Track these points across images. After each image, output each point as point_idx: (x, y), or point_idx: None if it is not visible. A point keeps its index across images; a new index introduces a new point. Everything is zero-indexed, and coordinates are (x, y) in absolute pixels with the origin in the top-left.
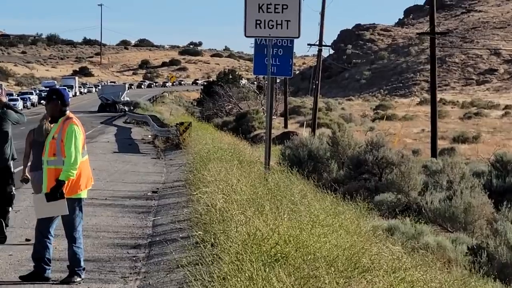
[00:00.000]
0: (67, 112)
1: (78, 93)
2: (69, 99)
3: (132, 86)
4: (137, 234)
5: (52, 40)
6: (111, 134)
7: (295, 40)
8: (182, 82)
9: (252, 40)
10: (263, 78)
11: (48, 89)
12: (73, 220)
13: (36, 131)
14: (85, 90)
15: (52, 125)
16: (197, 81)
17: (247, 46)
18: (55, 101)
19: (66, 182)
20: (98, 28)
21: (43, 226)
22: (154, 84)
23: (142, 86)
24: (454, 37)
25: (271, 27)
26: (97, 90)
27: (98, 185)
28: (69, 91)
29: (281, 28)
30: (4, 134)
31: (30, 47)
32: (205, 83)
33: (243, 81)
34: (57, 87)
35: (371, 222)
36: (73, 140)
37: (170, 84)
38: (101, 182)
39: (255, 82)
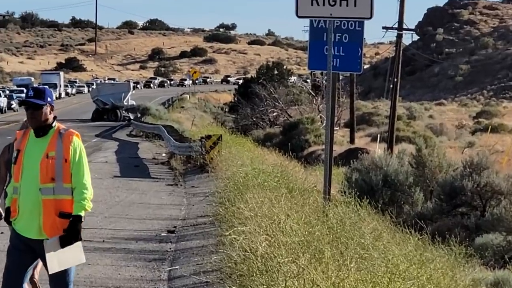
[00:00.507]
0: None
1: (63, 94)
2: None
3: (138, 86)
4: None
5: (28, 21)
6: (111, 152)
7: (366, 23)
8: (209, 80)
9: (306, 22)
10: (321, 74)
11: (31, 88)
12: (66, 274)
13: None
14: (73, 91)
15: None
16: (229, 78)
17: (299, 31)
18: (45, 106)
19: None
20: (91, 4)
21: (12, 281)
22: (169, 82)
23: (152, 85)
24: None
25: (333, 3)
26: (90, 90)
27: (93, 222)
28: (51, 91)
29: (347, 5)
30: None
31: None
32: (241, 81)
33: (293, 79)
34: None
35: (471, 274)
36: (83, 159)
37: (191, 82)
38: (96, 218)
39: (310, 80)
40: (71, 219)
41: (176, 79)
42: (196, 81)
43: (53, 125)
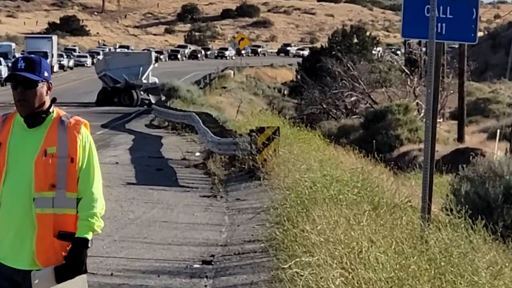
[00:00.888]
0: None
1: (56, 67)
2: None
3: (161, 57)
4: None
5: None
6: (123, 149)
7: None
8: (260, 50)
9: None
10: (419, 44)
11: (22, 58)
12: None
13: None
14: (71, 62)
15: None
16: (289, 48)
17: None
18: (41, 82)
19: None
20: None
21: None
22: (204, 52)
23: (180, 57)
24: None
25: None
26: (95, 62)
27: (98, 248)
28: None
29: None
30: None
31: None
32: (305, 52)
33: (380, 50)
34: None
35: None
36: (94, 159)
37: (234, 53)
38: (103, 242)
39: (401, 52)
40: (73, 242)
41: (215, 48)
42: (243, 52)
43: (51, 110)
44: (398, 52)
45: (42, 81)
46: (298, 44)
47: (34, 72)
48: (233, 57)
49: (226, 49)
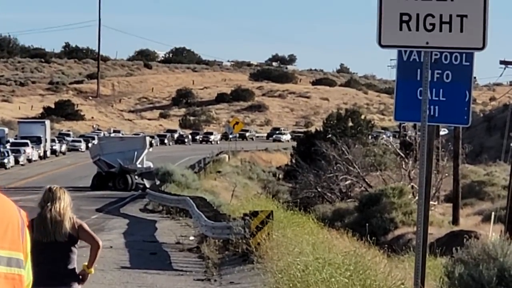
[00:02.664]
0: None
1: (48, 152)
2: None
3: (153, 141)
4: None
5: (4, 48)
6: (117, 233)
7: (477, 55)
8: (248, 134)
9: (394, 54)
10: (414, 127)
11: None
12: None
13: (36, 225)
14: (63, 147)
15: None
16: (279, 133)
17: (383, 67)
18: None
19: None
20: (93, 26)
21: None
22: (191, 137)
23: (167, 141)
24: None
25: (430, 28)
26: (90, 147)
27: None
28: (32, 147)
29: (450, 30)
30: None
31: None
32: (300, 135)
33: (376, 134)
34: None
35: None
36: None
37: (219, 137)
38: None
39: (396, 135)
40: None
41: (215, 133)
42: (231, 136)
43: None
44: (395, 135)
45: None
46: (293, 128)
47: None
48: (218, 142)
49: (211, 133)
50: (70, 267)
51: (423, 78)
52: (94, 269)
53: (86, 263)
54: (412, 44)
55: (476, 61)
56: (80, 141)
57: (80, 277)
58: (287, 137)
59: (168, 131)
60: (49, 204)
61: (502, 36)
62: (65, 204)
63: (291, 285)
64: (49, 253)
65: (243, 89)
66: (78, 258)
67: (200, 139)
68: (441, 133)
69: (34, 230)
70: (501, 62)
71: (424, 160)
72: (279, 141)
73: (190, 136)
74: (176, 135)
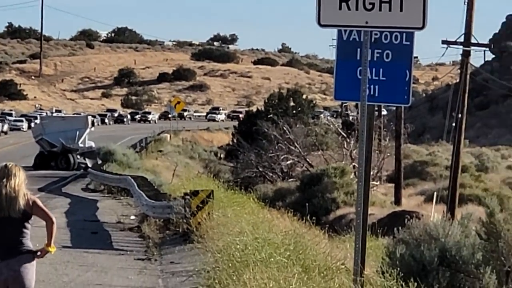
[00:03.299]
0: None
1: None
2: None
3: (95, 120)
4: None
5: None
6: (59, 212)
7: (418, 35)
8: (187, 114)
9: (334, 33)
10: (356, 107)
11: None
12: None
13: None
14: (5, 127)
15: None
16: (217, 112)
17: (325, 46)
18: None
19: None
20: (36, 6)
21: None
22: (130, 116)
23: (107, 121)
24: None
25: (370, 7)
26: (32, 126)
27: None
28: None
29: (390, 9)
30: None
31: None
32: (241, 115)
33: (322, 113)
34: None
35: None
36: None
37: (157, 116)
38: None
39: (339, 115)
40: None
41: (154, 113)
42: (170, 116)
43: None
44: (337, 115)
45: None
46: (235, 107)
47: None
48: (156, 121)
49: (149, 112)
50: (24, 241)
51: (363, 58)
52: (54, 248)
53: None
54: (352, 23)
55: (419, 41)
56: (22, 121)
57: (38, 253)
58: (222, 116)
59: (108, 110)
60: (4, 180)
61: (445, 16)
62: (19, 180)
63: (230, 264)
64: (3, 228)
65: (185, 69)
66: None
67: (139, 118)
68: (384, 112)
69: None
70: (443, 42)
71: (364, 139)
72: (214, 120)
73: (129, 116)
74: (116, 115)
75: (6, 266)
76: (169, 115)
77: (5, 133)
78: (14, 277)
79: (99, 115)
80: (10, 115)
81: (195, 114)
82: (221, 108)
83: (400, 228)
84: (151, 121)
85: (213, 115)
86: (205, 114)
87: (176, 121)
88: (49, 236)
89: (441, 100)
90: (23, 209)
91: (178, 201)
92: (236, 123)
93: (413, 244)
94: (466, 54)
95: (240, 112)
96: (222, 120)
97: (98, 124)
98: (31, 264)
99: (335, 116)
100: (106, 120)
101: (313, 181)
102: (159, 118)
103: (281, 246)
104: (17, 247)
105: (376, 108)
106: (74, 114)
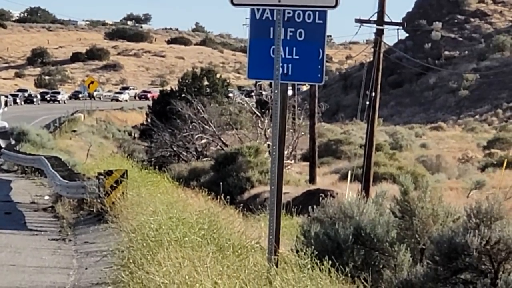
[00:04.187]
0: None
1: None
2: None
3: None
4: None
5: None
6: None
7: (331, 13)
8: (97, 94)
9: (246, 12)
10: (270, 86)
11: None
12: None
13: None
14: None
15: None
16: (125, 92)
17: (238, 25)
18: None
19: None
20: None
21: None
22: (40, 96)
23: (19, 101)
24: None
25: None
26: None
27: None
28: None
29: None
30: None
31: None
32: (149, 94)
33: (231, 92)
34: None
35: None
36: None
37: (67, 96)
38: None
39: (254, 94)
40: None
41: (66, 92)
42: (81, 96)
43: None
44: (253, 94)
45: None
46: (149, 87)
47: None
48: (65, 101)
49: (58, 92)
50: None
51: (276, 36)
52: None
53: None
54: (265, 2)
55: (332, 20)
56: None
57: None
58: (125, 96)
59: (19, 90)
60: None
61: None
62: None
63: (144, 244)
64: None
65: (98, 49)
66: None
67: (48, 98)
68: (289, 92)
69: None
70: (356, 21)
71: (278, 118)
72: (117, 100)
73: (39, 96)
74: (26, 95)
75: None
76: (80, 95)
77: None
78: None
79: (11, 95)
80: None
81: (104, 94)
82: (131, 87)
83: (314, 206)
84: (60, 101)
85: (117, 95)
86: (130, 93)
87: (86, 101)
88: None
89: (355, 79)
90: None
91: (92, 181)
92: (144, 102)
93: (328, 223)
94: (379, 33)
95: (149, 92)
96: (126, 100)
97: (11, 105)
98: None
99: (245, 94)
100: (18, 100)
101: (227, 160)
102: (70, 98)
103: (196, 226)
104: None
105: (290, 87)
106: None
